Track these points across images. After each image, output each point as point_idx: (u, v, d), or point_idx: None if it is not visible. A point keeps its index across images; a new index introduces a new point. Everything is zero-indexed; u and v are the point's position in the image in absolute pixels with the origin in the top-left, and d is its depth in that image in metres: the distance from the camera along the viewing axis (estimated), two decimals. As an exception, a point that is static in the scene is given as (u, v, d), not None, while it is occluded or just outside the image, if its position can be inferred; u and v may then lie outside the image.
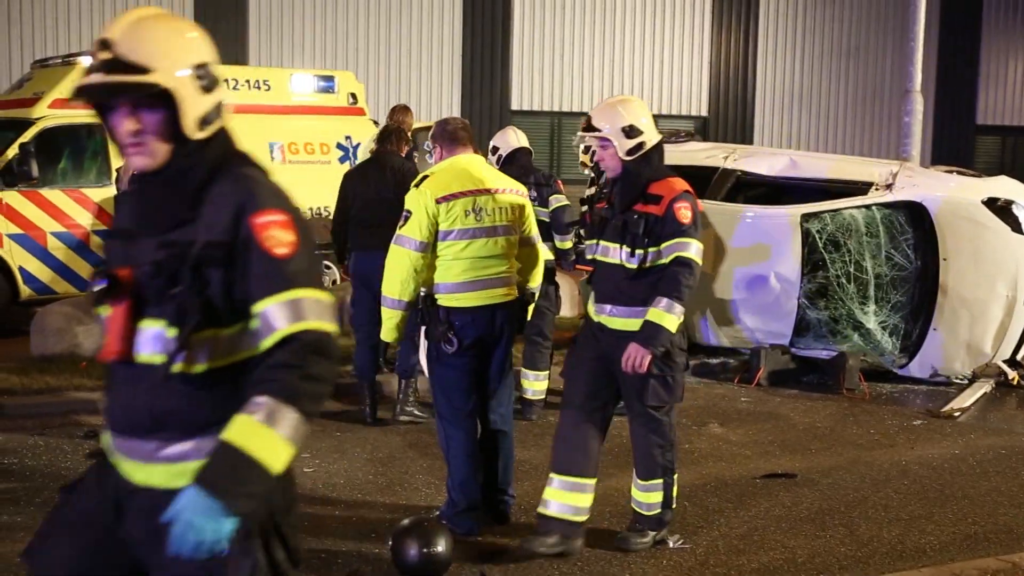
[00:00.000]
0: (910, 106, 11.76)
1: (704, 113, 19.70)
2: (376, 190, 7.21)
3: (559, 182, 7.74)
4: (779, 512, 5.77)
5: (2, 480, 6.01)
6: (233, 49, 16.45)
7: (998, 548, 5.33)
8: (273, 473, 2.19)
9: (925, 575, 4.90)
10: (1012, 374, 8.89)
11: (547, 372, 7.60)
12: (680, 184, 4.90)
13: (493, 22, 18.28)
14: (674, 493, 5.12)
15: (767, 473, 6.45)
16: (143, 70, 2.26)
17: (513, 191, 5.33)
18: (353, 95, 12.42)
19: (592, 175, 7.77)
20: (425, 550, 4.64)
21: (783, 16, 20.09)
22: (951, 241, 8.75)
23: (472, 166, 5.31)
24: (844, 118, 20.51)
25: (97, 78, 2.28)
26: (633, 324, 4.83)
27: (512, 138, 7.68)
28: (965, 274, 8.75)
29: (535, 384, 7.55)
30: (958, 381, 8.90)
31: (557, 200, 7.53)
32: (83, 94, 2.32)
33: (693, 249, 4.82)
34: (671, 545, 5.15)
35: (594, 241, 5.05)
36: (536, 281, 5.43)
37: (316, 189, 10.78)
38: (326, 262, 10.77)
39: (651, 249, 4.79)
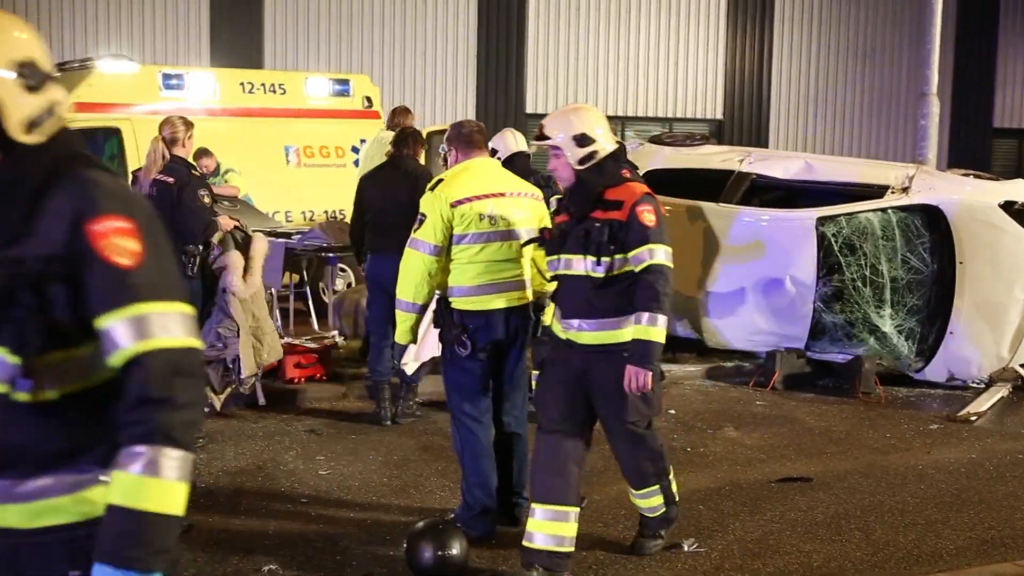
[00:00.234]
0: (926, 109, 11.70)
1: (719, 116, 19.67)
2: (392, 193, 7.22)
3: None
4: (794, 516, 5.75)
5: None
6: (248, 53, 16.56)
7: (1015, 553, 5.30)
8: (178, 517, 2.02)
9: (941, 580, 4.90)
10: (1029, 378, 8.85)
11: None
12: (640, 188, 4.73)
13: (508, 25, 18.31)
14: (674, 489, 5.07)
15: (782, 477, 6.43)
16: None
17: (528, 195, 5.34)
18: (368, 98, 12.46)
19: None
20: (440, 553, 4.65)
21: (798, 19, 20.05)
22: (968, 245, 8.71)
23: (487, 169, 5.32)
24: (860, 121, 20.44)
25: None
26: (604, 337, 4.65)
27: (511, 141, 7.68)
28: (982, 278, 8.71)
29: (549, 387, 7.53)
30: (974, 385, 8.85)
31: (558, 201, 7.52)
32: None
33: (663, 255, 4.60)
34: (686, 548, 5.14)
35: (555, 256, 4.82)
36: (550, 285, 5.42)
37: (331, 192, 10.82)
38: (341, 264, 10.79)
39: (617, 256, 4.61)
